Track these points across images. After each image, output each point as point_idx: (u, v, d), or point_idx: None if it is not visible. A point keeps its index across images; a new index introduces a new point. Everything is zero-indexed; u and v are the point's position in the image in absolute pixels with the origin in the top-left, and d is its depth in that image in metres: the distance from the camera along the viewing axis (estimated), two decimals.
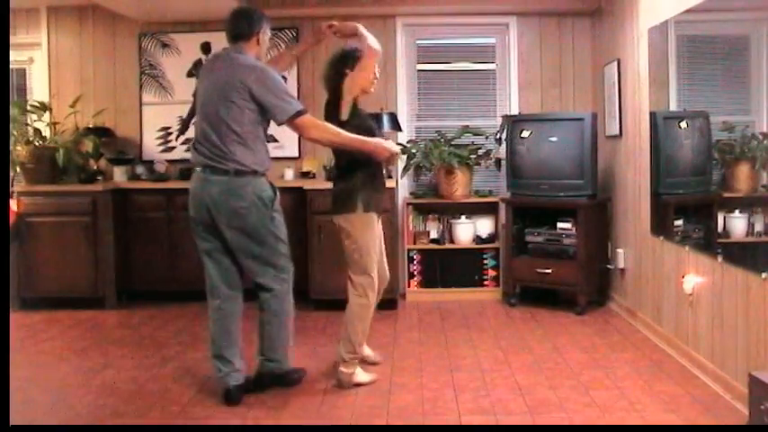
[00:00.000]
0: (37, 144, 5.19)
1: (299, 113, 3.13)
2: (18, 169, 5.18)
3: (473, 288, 5.31)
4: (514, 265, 5.04)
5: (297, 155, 5.52)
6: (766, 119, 2.99)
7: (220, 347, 3.26)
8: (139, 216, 5.22)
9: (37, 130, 5.20)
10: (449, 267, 5.33)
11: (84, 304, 5.04)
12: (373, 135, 3.38)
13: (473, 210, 5.41)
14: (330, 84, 3.43)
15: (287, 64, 3.78)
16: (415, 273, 5.35)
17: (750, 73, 3.25)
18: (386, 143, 3.34)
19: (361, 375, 3.42)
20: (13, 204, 4.97)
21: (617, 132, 4.79)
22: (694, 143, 3.85)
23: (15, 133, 5.10)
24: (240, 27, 3.22)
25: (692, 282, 3.54)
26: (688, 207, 3.90)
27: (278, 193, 3.27)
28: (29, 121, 5.25)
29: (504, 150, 5.21)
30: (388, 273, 3.66)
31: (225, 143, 3.09)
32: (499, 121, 5.40)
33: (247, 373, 3.35)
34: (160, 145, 5.65)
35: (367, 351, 3.68)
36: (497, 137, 5.32)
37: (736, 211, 3.27)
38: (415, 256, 5.34)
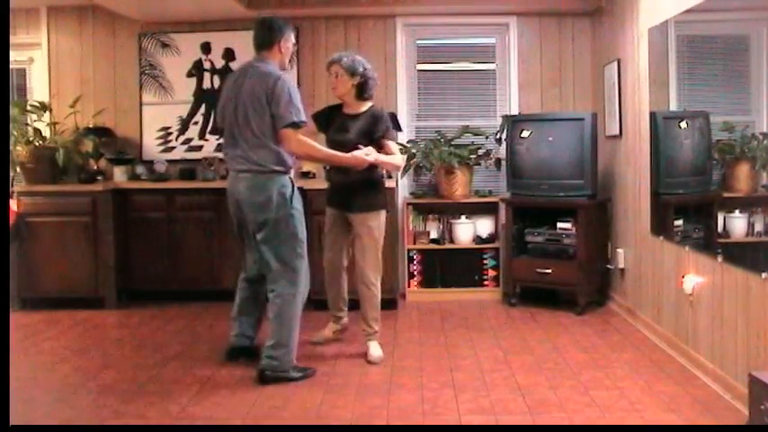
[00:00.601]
0: (37, 144, 5.19)
1: (288, 125, 3.35)
2: (18, 169, 5.18)
3: (473, 288, 5.31)
4: (514, 265, 5.04)
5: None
6: (766, 119, 2.99)
7: (239, 310, 3.72)
8: (139, 216, 5.22)
9: (37, 130, 5.19)
10: (449, 267, 5.33)
11: (84, 304, 5.04)
12: (329, 142, 3.81)
13: (473, 210, 5.41)
14: None
15: None
16: (415, 273, 5.35)
17: (750, 73, 3.25)
18: (360, 154, 3.62)
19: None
20: (13, 204, 4.97)
21: (617, 132, 4.79)
22: (694, 143, 3.85)
23: (15, 133, 5.10)
24: (262, 37, 3.51)
25: (692, 282, 3.54)
26: (688, 207, 3.90)
27: (297, 192, 3.49)
28: (29, 121, 5.24)
29: (504, 150, 5.22)
30: (360, 270, 3.83)
31: (250, 147, 3.38)
32: (499, 121, 5.40)
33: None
34: (160, 145, 5.65)
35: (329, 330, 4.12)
36: (497, 137, 5.32)
37: (736, 211, 3.27)
38: (415, 256, 5.34)
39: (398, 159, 3.90)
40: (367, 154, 3.63)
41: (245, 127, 3.38)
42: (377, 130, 3.76)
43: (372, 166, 3.72)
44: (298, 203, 3.48)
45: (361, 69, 3.75)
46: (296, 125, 3.36)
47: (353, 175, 3.71)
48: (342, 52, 3.90)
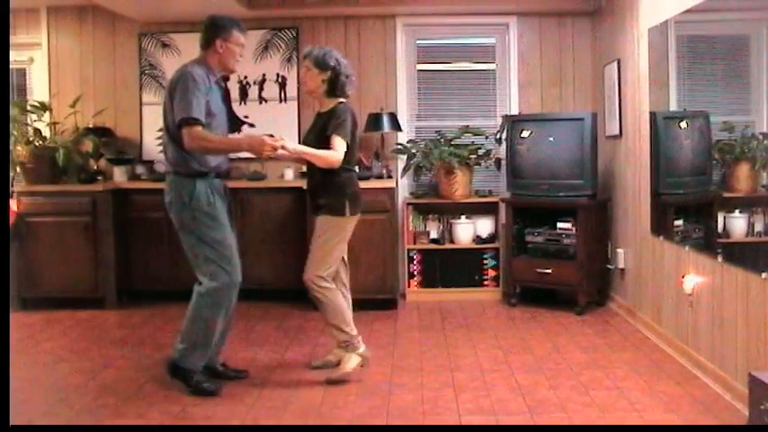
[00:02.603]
0: (37, 144, 5.19)
1: (179, 124, 3.15)
2: (18, 169, 5.18)
3: (473, 288, 5.31)
4: (514, 265, 5.04)
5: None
6: (766, 119, 2.99)
7: None
8: (139, 216, 5.22)
9: (37, 130, 5.20)
10: (449, 267, 5.33)
11: (84, 304, 5.04)
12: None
13: (473, 210, 5.41)
14: None
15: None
16: (415, 273, 5.35)
17: (750, 73, 3.25)
18: (265, 138, 3.25)
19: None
20: (13, 204, 4.97)
21: (617, 132, 4.79)
22: (694, 143, 3.85)
23: (15, 133, 5.10)
24: (201, 38, 3.36)
25: (692, 282, 3.54)
26: (688, 207, 3.90)
27: (205, 194, 3.25)
28: (29, 121, 5.25)
29: (504, 150, 5.22)
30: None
31: (164, 144, 3.36)
32: (499, 121, 5.40)
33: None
34: (160, 145, 5.61)
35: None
36: (497, 137, 5.32)
37: (736, 211, 3.27)
38: (415, 256, 5.34)
39: (328, 154, 3.36)
40: (275, 139, 3.24)
41: (164, 127, 3.31)
42: (329, 126, 3.40)
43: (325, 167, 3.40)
44: (204, 205, 3.25)
45: (332, 64, 3.43)
46: (186, 121, 3.13)
47: (314, 176, 3.51)
48: (316, 46, 3.58)
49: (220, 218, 3.32)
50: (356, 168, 3.66)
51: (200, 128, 3.14)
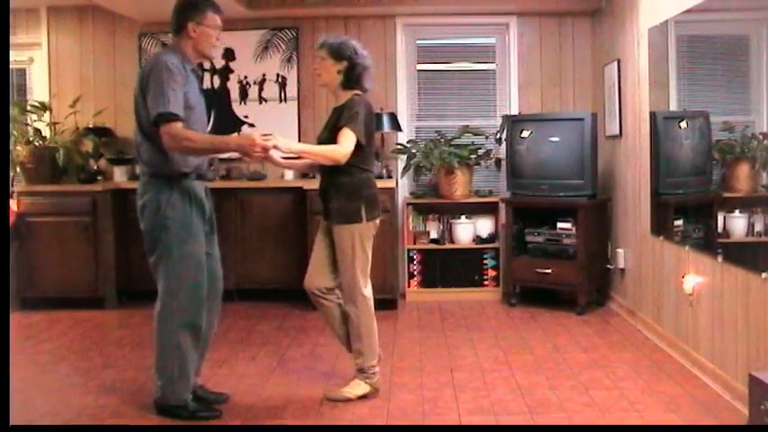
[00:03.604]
0: (37, 144, 5.19)
1: (158, 120, 2.80)
2: (18, 169, 5.18)
3: (473, 288, 5.31)
4: (514, 265, 5.04)
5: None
6: (766, 119, 2.99)
7: None
8: None
9: (37, 130, 5.20)
10: (449, 267, 5.33)
11: (84, 304, 5.04)
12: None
13: (473, 210, 5.41)
14: None
15: None
16: (415, 273, 5.35)
17: (750, 73, 3.25)
18: (256, 137, 2.91)
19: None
20: (13, 204, 4.97)
21: (617, 132, 4.79)
22: (694, 143, 3.85)
23: (15, 133, 5.10)
24: (172, 22, 3.03)
25: (692, 282, 3.54)
26: (688, 207, 3.90)
27: (180, 200, 2.95)
28: (29, 121, 5.25)
29: (504, 150, 5.22)
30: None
31: (136, 143, 3.01)
32: (499, 121, 5.40)
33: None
34: None
35: None
36: (497, 137, 5.32)
37: (736, 211, 3.27)
38: (415, 256, 5.34)
39: (331, 149, 3.07)
40: (267, 138, 2.91)
41: (136, 124, 2.96)
42: (341, 118, 3.10)
43: (336, 166, 3.08)
44: (178, 215, 2.93)
45: (348, 53, 3.14)
46: (163, 117, 2.78)
47: (325, 177, 3.23)
48: (331, 35, 3.31)
49: (194, 230, 2.97)
50: (374, 169, 3.34)
51: (179, 124, 2.80)
